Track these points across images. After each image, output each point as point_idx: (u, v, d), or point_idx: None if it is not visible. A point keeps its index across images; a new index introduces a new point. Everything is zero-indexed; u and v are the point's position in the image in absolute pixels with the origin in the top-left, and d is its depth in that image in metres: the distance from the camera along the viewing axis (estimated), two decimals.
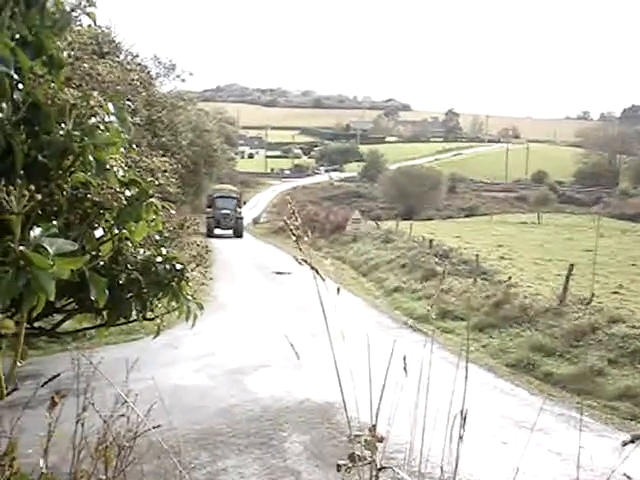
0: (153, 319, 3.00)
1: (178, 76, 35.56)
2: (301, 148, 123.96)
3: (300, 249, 1.65)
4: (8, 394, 1.96)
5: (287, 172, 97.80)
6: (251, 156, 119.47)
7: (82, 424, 2.99)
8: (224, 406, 8.85)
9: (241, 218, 43.20)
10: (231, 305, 16.36)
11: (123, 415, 3.06)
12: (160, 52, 29.69)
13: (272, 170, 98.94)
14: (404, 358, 2.01)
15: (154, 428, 2.47)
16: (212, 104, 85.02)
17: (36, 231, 1.75)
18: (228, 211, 42.00)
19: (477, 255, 19.02)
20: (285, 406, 8.91)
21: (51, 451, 2.89)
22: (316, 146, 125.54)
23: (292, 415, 8.56)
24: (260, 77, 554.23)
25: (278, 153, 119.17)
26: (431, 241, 23.77)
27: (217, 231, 40.23)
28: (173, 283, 2.88)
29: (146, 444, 3.43)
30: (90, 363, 2.83)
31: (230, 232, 41.55)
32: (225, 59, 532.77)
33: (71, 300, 2.77)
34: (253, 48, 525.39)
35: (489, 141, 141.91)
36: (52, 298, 1.68)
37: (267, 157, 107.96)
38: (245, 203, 52.82)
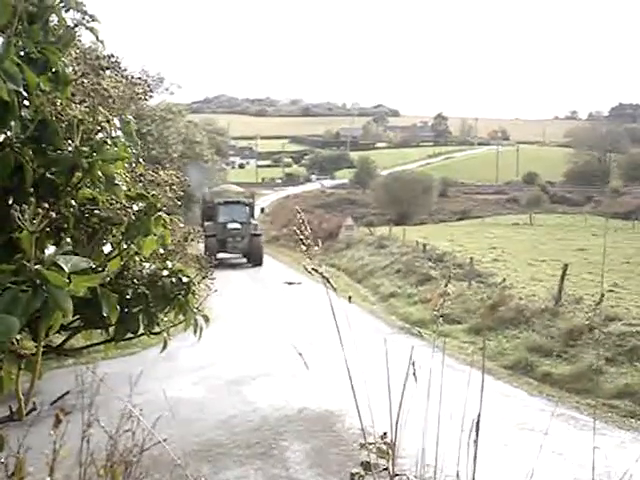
0: (160, 333, 2.99)
1: (167, 89, 35.71)
2: (292, 157, 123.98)
3: (310, 258, 1.67)
4: (27, 414, 1.95)
5: (278, 181, 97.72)
6: (242, 166, 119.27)
7: (87, 441, 2.98)
8: (224, 417, 8.82)
9: (258, 235, 28.76)
10: (227, 317, 16.30)
11: (128, 430, 3.05)
12: (147, 65, 29.78)
13: (263, 180, 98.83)
14: (413, 364, 2.01)
15: (164, 441, 2.46)
16: (201, 115, 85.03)
17: (50, 249, 1.75)
18: (237, 224, 27.99)
19: (471, 258, 19.05)
20: (284, 415, 8.89)
21: (56, 468, 2.88)
22: (306, 154, 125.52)
23: (292, 424, 8.54)
24: (248, 87, 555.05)
25: (269, 163, 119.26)
26: (425, 245, 23.82)
27: (221, 255, 26.55)
28: (180, 296, 2.87)
29: (148, 458, 3.42)
30: (100, 379, 2.82)
31: (241, 256, 28.53)
32: (212, 70, 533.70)
33: (77, 317, 2.76)
34: (240, 58, 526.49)
35: (479, 144, 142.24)
36: (70, 316, 1.68)
37: (258, 167, 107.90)
38: (263, 211, 36.72)
